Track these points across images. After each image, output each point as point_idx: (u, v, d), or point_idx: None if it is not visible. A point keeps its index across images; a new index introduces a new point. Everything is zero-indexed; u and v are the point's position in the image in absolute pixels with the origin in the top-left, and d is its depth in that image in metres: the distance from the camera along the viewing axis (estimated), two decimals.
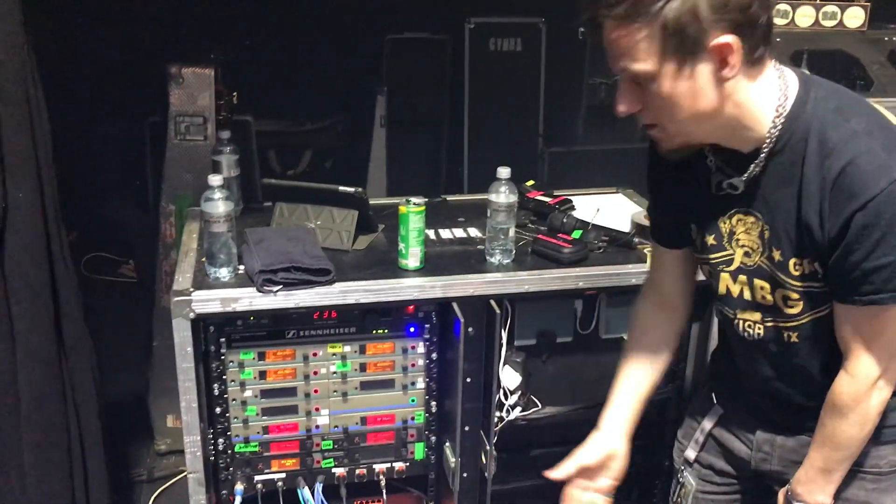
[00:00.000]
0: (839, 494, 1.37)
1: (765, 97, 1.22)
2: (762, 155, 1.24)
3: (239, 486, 1.99)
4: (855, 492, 1.38)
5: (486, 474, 2.01)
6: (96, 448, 1.93)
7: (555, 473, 1.55)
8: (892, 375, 1.27)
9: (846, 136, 1.16)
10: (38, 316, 1.68)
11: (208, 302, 1.79)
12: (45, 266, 1.68)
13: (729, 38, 1.13)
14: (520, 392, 2.07)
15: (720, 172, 1.32)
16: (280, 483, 2.01)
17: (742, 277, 1.36)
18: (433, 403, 2.06)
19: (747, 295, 1.36)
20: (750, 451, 1.53)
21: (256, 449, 1.99)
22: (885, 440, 1.37)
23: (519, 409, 2.08)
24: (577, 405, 2.22)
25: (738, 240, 1.33)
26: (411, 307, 1.97)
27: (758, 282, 1.33)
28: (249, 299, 1.81)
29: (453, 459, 1.98)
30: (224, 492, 2.01)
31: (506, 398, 2.03)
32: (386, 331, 1.98)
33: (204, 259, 1.90)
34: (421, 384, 2.04)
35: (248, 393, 1.94)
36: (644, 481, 2.24)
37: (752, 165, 1.25)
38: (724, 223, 1.34)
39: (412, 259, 1.95)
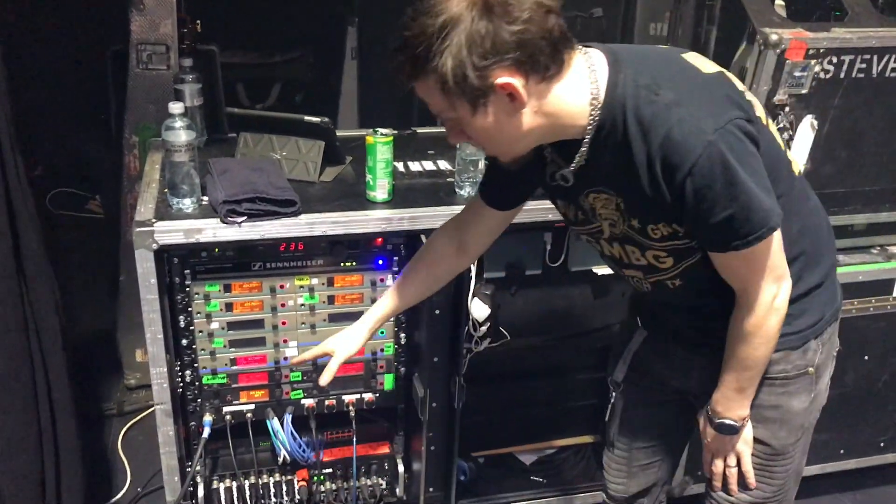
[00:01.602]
0: (753, 402, 1.45)
1: (576, 94, 1.24)
2: (583, 148, 1.28)
3: (207, 418, 1.99)
4: (766, 397, 1.46)
5: (454, 405, 2.02)
6: (61, 380, 1.92)
7: (325, 380, 1.66)
8: (784, 293, 1.32)
9: (658, 111, 1.19)
10: None
11: (171, 233, 1.76)
12: (2, 197, 1.64)
13: (506, 79, 1.17)
14: (488, 324, 2.07)
15: (553, 164, 1.37)
16: (249, 414, 2.02)
17: (615, 244, 1.41)
18: (402, 335, 2.07)
19: (625, 258, 1.43)
20: (672, 370, 1.59)
21: (224, 381, 1.99)
22: (791, 346, 1.43)
23: (488, 340, 2.09)
24: (545, 337, 2.24)
25: (599, 214, 1.38)
26: (379, 239, 1.95)
27: (628, 247, 1.39)
28: (213, 230, 1.78)
29: (422, 390, 1.99)
30: (192, 423, 2.01)
31: (475, 330, 2.04)
32: (354, 263, 1.97)
33: (166, 190, 1.86)
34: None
35: (214, 325, 1.93)
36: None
37: (577, 156, 1.30)
38: (584, 201, 1.39)
39: (380, 191, 1.93)
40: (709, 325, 1.45)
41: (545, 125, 1.25)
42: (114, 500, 2.45)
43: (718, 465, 1.53)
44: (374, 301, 1.98)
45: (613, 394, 1.72)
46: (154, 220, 1.76)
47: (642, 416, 1.70)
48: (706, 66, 1.28)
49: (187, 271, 1.86)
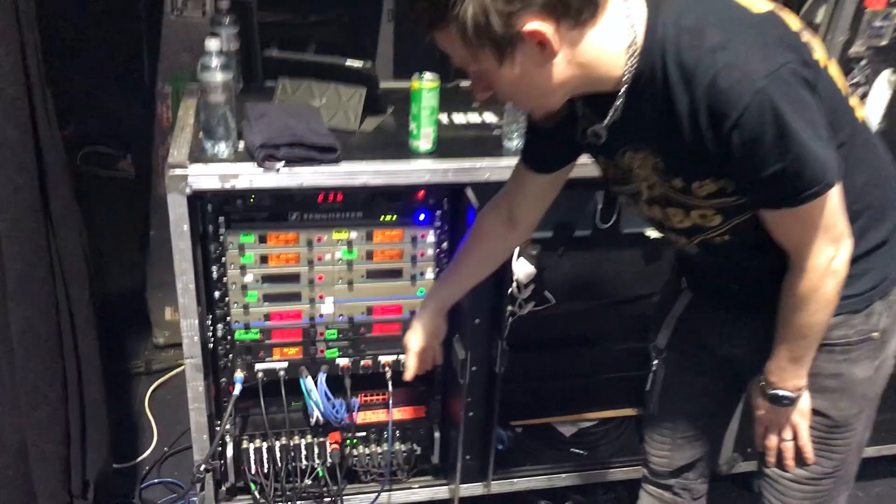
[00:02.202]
0: (810, 370, 1.33)
1: (612, 41, 1.12)
2: (618, 101, 1.17)
3: (239, 374, 1.91)
4: (825, 365, 1.34)
5: (495, 370, 1.93)
6: (89, 333, 1.84)
7: (408, 375, 1.67)
8: (843, 254, 1.20)
9: (702, 56, 1.07)
10: (22, 184, 1.56)
11: (205, 177, 1.67)
12: (28, 130, 1.55)
13: (535, 25, 1.06)
14: (533, 286, 1.97)
15: (585, 119, 1.26)
16: (282, 372, 1.94)
17: (655, 207, 1.30)
18: None
19: (667, 222, 1.32)
20: (720, 337, 1.47)
21: (257, 336, 1.91)
22: (853, 309, 1.31)
23: (532, 304, 1.99)
24: (591, 302, 2.13)
25: (636, 174, 1.27)
26: (422, 192, 1.85)
27: (670, 209, 1.28)
28: (250, 176, 1.69)
29: (463, 353, 1.89)
30: (223, 380, 1.93)
31: (518, 292, 1.94)
32: (394, 217, 1.87)
33: (201, 134, 1.77)
34: (430, 275, 1.94)
35: (248, 278, 1.84)
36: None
37: (612, 110, 1.18)
38: (620, 160, 1.28)
39: (424, 140, 1.83)
40: (762, 287, 1.33)
41: (578, 76, 1.14)
42: (140, 458, 2.40)
43: (773, 440, 1.41)
44: (413, 259, 1.91)
45: (656, 361, 1.62)
46: (188, 164, 1.67)
47: (687, 384, 1.60)
48: (757, 4, 1.14)
49: (221, 219, 1.77)
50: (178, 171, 1.65)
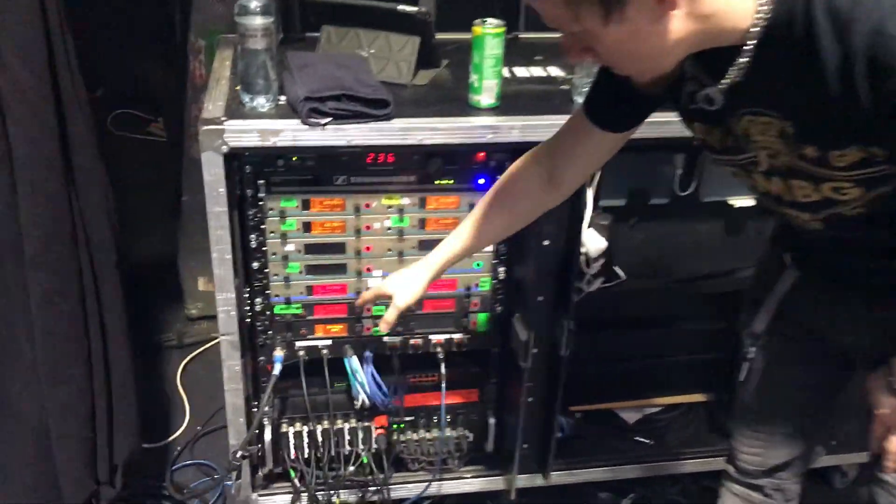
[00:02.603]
0: None
1: None
2: (743, 59, 0.96)
3: (278, 352, 1.74)
4: None
5: (561, 353, 1.74)
6: (115, 302, 1.69)
7: (360, 303, 1.57)
8: None
9: (860, 0, 0.86)
10: (40, 138, 1.40)
11: (244, 133, 1.49)
12: (47, 78, 1.38)
13: None
14: (603, 260, 1.77)
15: (694, 80, 1.06)
16: (325, 351, 1.77)
17: (775, 178, 1.08)
18: (501, 269, 1.78)
19: (787, 196, 1.10)
20: (835, 322, 1.27)
21: (299, 311, 1.74)
22: None
23: (600, 280, 1.80)
24: (664, 279, 1.93)
25: (755, 141, 1.05)
26: (482, 154, 1.65)
27: (795, 182, 1.06)
28: (293, 133, 1.50)
29: (524, 333, 1.70)
30: (262, 358, 1.77)
31: (587, 267, 1.75)
32: (451, 181, 1.68)
33: (238, 87, 1.59)
34: (489, 246, 1.75)
35: (289, 247, 1.67)
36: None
37: (733, 70, 0.98)
38: (736, 125, 1.06)
39: (486, 94, 1.63)
40: (892, 265, 1.13)
41: (699, 31, 0.94)
42: (171, 437, 2.26)
43: (894, 442, 1.21)
44: None
45: (751, 349, 1.41)
46: (224, 119, 1.49)
47: (790, 376, 1.40)
48: None
49: (261, 182, 1.59)
50: (213, 127, 1.47)
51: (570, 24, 0.94)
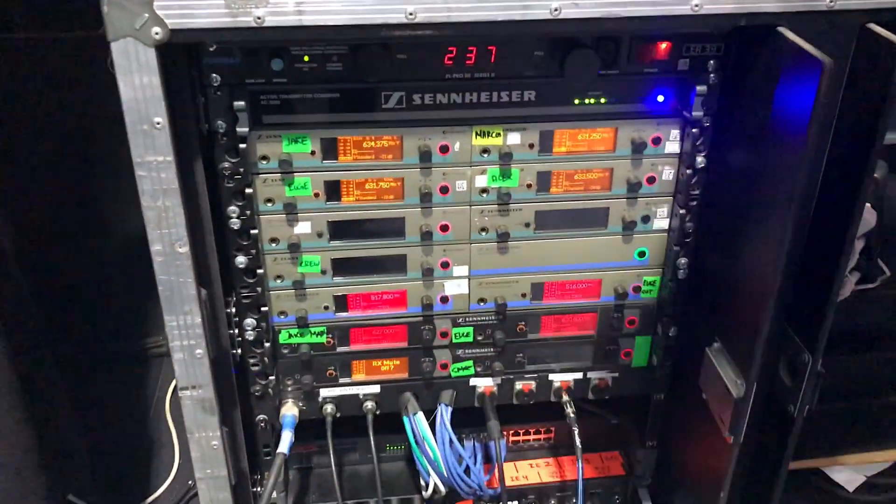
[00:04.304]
0: None
1: None
2: None
3: (288, 409, 1.02)
4: None
5: (791, 409, 0.97)
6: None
7: None
8: None
9: None
10: None
11: (197, 2, 0.72)
12: None
13: None
14: (863, 244, 0.99)
15: None
16: (369, 403, 1.04)
17: None
18: (683, 261, 1.00)
19: None
20: None
21: (322, 339, 0.99)
22: None
23: (856, 276, 1.02)
24: None
25: None
26: (665, 42, 0.87)
27: None
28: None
29: (739, 387, 0.93)
30: (261, 417, 1.04)
31: None
32: (602, 100, 0.90)
33: None
34: (662, 219, 0.98)
35: (302, 227, 0.92)
36: None
37: None
38: None
39: None
40: None
41: None
42: (154, 496, 1.55)
43: None
44: (633, 187, 0.95)
45: None
46: None
47: None
48: None
49: (241, 105, 0.83)
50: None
51: None
